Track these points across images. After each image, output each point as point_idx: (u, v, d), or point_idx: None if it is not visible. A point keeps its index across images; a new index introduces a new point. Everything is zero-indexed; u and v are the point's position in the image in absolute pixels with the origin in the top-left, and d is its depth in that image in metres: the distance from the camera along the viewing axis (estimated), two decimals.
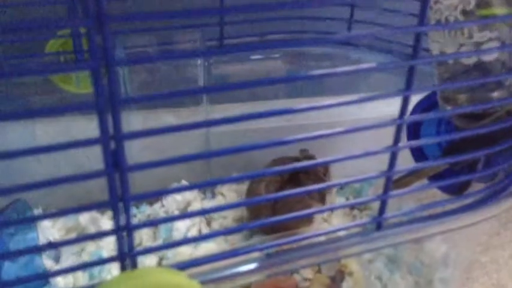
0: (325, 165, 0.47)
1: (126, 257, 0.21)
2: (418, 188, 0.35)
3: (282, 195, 0.24)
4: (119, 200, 0.20)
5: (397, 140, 0.25)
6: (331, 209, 0.49)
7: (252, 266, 0.26)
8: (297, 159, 0.47)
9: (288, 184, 0.47)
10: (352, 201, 0.51)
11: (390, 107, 0.29)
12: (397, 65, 0.26)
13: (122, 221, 0.21)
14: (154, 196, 0.24)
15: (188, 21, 0.51)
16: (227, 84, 0.21)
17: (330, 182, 0.46)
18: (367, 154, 0.25)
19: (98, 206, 0.20)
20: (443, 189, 0.40)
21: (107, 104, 0.18)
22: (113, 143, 0.19)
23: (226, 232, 0.25)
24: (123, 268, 0.22)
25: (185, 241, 0.23)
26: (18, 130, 0.51)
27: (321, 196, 0.47)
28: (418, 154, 0.43)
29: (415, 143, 0.38)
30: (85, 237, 0.23)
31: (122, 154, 0.19)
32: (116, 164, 0.20)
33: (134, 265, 0.22)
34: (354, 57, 0.54)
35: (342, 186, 0.55)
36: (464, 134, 0.32)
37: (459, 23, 0.32)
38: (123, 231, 0.21)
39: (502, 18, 0.33)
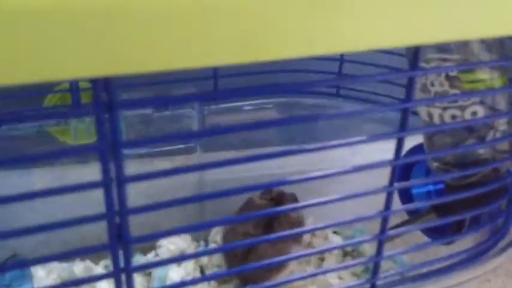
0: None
1: None
2: (413, 249, 0.35)
3: (249, 242, 0.24)
4: (118, 244, 0.21)
5: (392, 180, 0.26)
6: (309, 255, 0.48)
7: None
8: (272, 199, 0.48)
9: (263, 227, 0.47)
10: (350, 260, 0.52)
11: (381, 154, 0.30)
12: (392, 107, 0.27)
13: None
14: (154, 239, 0.24)
15: (182, 75, 0.53)
16: (221, 129, 0.22)
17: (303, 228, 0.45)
18: (364, 194, 0.25)
19: (99, 249, 0.21)
20: (433, 235, 0.41)
21: (110, 146, 0.19)
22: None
23: (217, 276, 0.25)
24: None
25: (181, 284, 0.24)
26: (15, 178, 0.52)
27: (294, 239, 0.47)
28: (406, 198, 0.44)
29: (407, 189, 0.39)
30: (83, 280, 0.23)
31: (124, 196, 0.20)
32: (116, 206, 0.20)
33: None
34: (344, 109, 0.55)
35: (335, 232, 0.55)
36: (452, 197, 0.33)
37: (445, 97, 0.34)
38: (122, 273, 0.21)
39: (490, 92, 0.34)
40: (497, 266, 0.37)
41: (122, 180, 0.19)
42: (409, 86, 0.24)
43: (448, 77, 0.34)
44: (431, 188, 0.43)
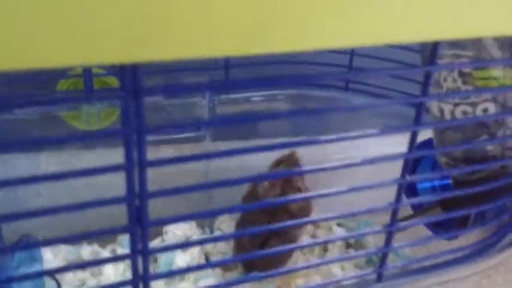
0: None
1: (141, 281, 0.22)
2: (420, 242, 0.36)
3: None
4: (136, 225, 0.21)
5: (404, 173, 0.26)
6: (311, 245, 0.49)
7: None
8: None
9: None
10: (353, 252, 0.52)
11: (385, 149, 0.31)
12: (407, 100, 0.27)
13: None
14: (172, 222, 0.25)
15: (194, 64, 0.54)
16: (230, 118, 0.23)
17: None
18: (375, 186, 0.26)
19: (117, 231, 0.22)
20: (437, 230, 0.42)
21: (135, 131, 0.20)
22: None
23: (219, 263, 0.25)
24: None
25: (189, 269, 0.24)
26: (24, 162, 0.52)
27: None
28: (411, 193, 0.44)
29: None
30: (100, 261, 0.24)
31: (145, 180, 0.21)
32: (136, 190, 0.21)
33: None
34: (353, 102, 0.56)
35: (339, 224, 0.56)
36: (459, 192, 0.33)
37: (458, 93, 0.34)
38: (139, 255, 0.22)
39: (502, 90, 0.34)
40: (500, 262, 0.38)
41: (145, 165, 0.20)
42: (426, 81, 0.24)
43: (461, 73, 0.34)
44: (436, 183, 0.44)
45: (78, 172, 0.20)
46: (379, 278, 0.29)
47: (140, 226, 0.21)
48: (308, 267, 0.31)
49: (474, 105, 0.34)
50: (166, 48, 0.16)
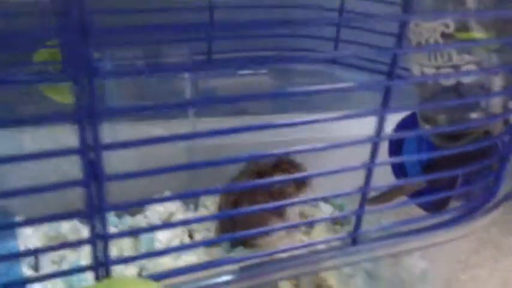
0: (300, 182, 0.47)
1: (100, 266, 0.22)
2: (398, 205, 0.36)
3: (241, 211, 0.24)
4: (96, 210, 0.21)
5: (373, 156, 0.26)
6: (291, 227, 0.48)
7: (230, 277, 0.27)
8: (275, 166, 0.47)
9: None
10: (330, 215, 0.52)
11: (368, 125, 0.30)
12: (374, 85, 0.27)
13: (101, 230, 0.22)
14: (132, 206, 0.24)
15: (176, 36, 0.52)
16: (214, 98, 0.22)
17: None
18: (345, 170, 0.25)
19: (75, 215, 0.21)
20: (423, 206, 0.41)
21: (88, 114, 0.19)
22: (92, 154, 0.20)
23: (205, 243, 0.25)
24: (97, 277, 0.22)
25: (165, 251, 0.24)
26: (6, 139, 0.51)
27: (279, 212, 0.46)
28: (399, 172, 0.44)
29: (394, 159, 0.38)
30: (62, 245, 0.23)
31: (100, 164, 0.20)
32: (94, 174, 0.20)
33: (108, 274, 0.22)
34: (339, 75, 0.54)
35: (326, 202, 0.55)
36: (444, 153, 0.33)
37: (435, 46, 0.33)
38: (99, 240, 0.21)
39: (482, 43, 0.34)
40: (484, 225, 0.37)
41: (100, 147, 0.19)
42: (401, 31, 0.23)
43: (443, 35, 0.33)
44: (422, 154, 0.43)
45: (35, 155, 0.19)
46: (354, 241, 0.29)
47: (99, 211, 0.20)
48: (295, 248, 0.30)
49: (457, 68, 0.33)
50: None
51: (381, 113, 0.24)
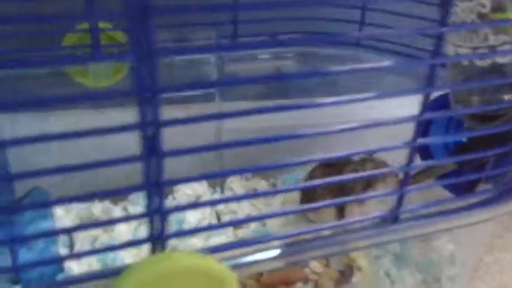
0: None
1: (158, 239, 0.22)
2: (431, 185, 0.36)
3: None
4: (153, 185, 0.21)
5: (416, 135, 0.26)
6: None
7: (267, 254, 0.27)
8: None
9: None
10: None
11: (399, 110, 0.30)
12: (418, 63, 0.27)
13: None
14: (187, 181, 0.25)
15: (202, 19, 0.52)
16: (240, 79, 0.22)
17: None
18: (387, 149, 0.26)
19: (133, 190, 0.21)
20: (451, 189, 0.41)
21: (149, 91, 0.19)
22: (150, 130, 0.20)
23: (246, 220, 0.25)
24: (153, 251, 0.23)
25: (220, 225, 0.24)
26: (31, 122, 0.52)
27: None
28: (425, 155, 0.44)
29: (433, 139, 0.39)
30: (113, 221, 0.24)
31: (160, 140, 0.20)
32: (152, 149, 0.21)
33: (164, 249, 0.23)
34: (364, 59, 0.55)
35: None
36: (474, 134, 0.33)
37: (477, 24, 0.33)
38: (156, 214, 0.22)
39: None
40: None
41: (160, 125, 0.19)
42: (438, 41, 0.23)
43: (479, 16, 0.33)
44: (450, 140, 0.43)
45: (91, 131, 0.20)
46: (395, 220, 0.29)
47: (158, 186, 0.21)
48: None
49: (493, 48, 0.33)
50: None
51: (426, 90, 0.25)
